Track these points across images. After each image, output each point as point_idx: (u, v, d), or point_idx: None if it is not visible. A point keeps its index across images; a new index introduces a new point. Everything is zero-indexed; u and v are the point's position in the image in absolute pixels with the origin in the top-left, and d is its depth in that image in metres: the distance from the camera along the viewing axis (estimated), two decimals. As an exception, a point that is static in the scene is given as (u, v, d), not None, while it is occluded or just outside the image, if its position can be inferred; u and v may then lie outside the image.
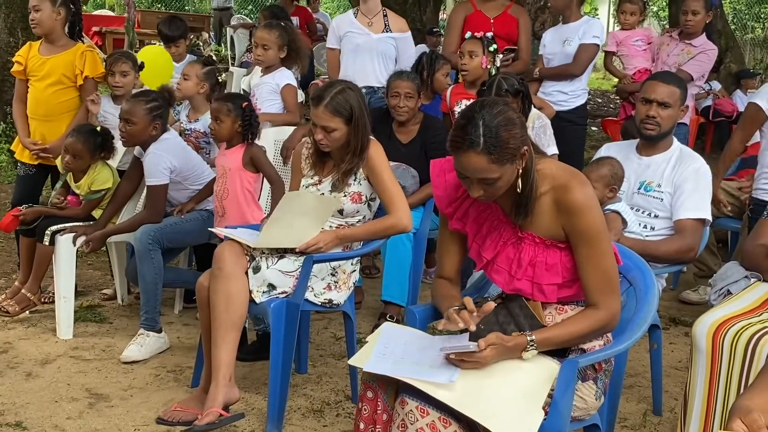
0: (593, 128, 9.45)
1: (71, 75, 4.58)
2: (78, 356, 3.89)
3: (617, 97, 6.52)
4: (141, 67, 4.70)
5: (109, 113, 4.59)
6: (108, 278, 4.81)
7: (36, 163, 4.67)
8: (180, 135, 4.62)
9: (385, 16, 5.64)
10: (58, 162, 4.48)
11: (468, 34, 5.02)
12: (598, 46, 5.60)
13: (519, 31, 5.70)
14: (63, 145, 4.48)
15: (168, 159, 4.06)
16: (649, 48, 6.01)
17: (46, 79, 4.56)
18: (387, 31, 5.57)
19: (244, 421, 3.28)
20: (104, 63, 4.68)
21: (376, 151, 3.41)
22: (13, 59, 4.75)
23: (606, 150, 3.88)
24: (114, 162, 4.53)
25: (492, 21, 5.64)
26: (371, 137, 3.43)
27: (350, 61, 5.63)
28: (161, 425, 3.24)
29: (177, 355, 3.96)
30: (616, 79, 6.84)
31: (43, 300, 4.38)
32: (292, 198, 3.42)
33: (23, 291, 4.28)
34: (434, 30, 10.22)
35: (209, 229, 3.82)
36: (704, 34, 5.75)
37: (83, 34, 13.77)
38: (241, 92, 5.33)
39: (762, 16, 19.11)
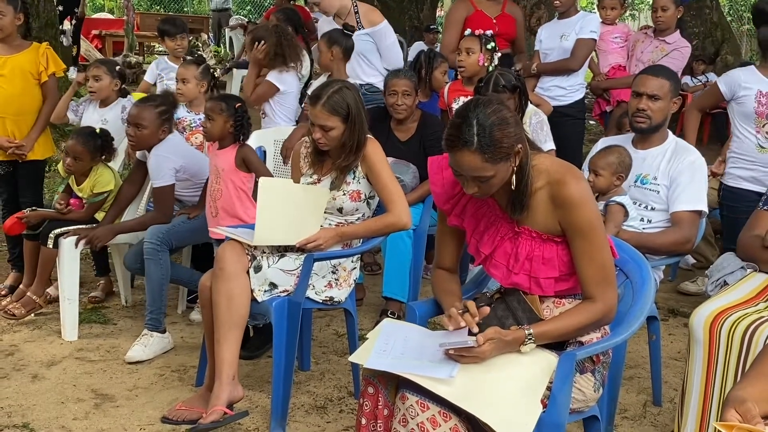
0: (591, 122, 9.45)
1: (35, 72, 4.65)
2: (83, 357, 3.91)
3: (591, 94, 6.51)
4: (122, 75, 4.83)
5: (92, 119, 4.66)
6: (98, 279, 4.82)
7: (10, 160, 4.68)
8: (185, 131, 4.65)
9: (356, 12, 5.52)
10: (60, 166, 4.50)
11: (468, 31, 5.02)
12: (595, 40, 5.61)
13: (517, 28, 5.76)
14: (34, 141, 4.59)
15: (172, 159, 4.09)
16: (626, 45, 6.02)
17: (8, 77, 4.59)
18: (360, 29, 5.51)
19: (248, 419, 3.30)
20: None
21: (374, 149, 3.42)
22: None
23: (603, 144, 3.90)
24: (115, 164, 4.56)
25: (494, 21, 5.66)
26: (369, 135, 3.45)
27: None
28: (166, 424, 3.25)
29: (181, 354, 3.98)
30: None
31: (47, 299, 4.39)
32: (276, 188, 3.43)
33: (28, 294, 4.30)
34: (431, 27, 10.22)
35: (211, 229, 3.84)
36: (678, 30, 5.76)
37: (83, 37, 13.77)
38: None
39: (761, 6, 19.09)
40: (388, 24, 5.51)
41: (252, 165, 3.94)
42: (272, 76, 5.01)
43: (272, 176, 4.05)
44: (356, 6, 5.42)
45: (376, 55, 5.41)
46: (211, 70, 4.80)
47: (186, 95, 4.67)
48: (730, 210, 4.64)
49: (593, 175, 3.55)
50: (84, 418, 3.32)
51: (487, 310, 2.35)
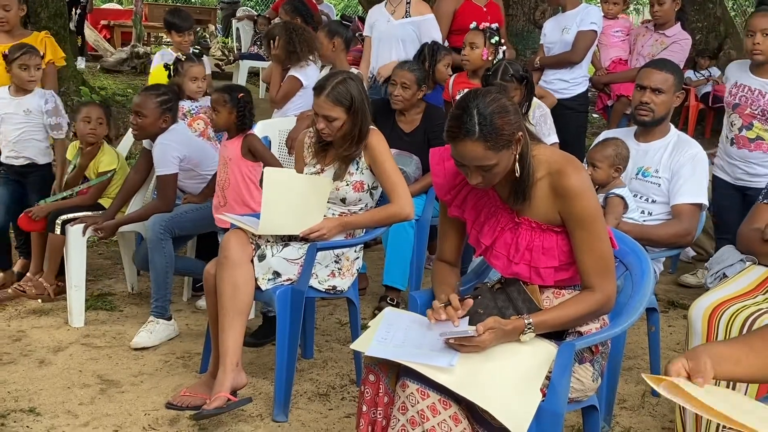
0: (594, 115, 9.43)
1: None
2: (89, 343, 3.92)
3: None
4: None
5: (9, 108, 4.45)
6: (106, 267, 4.84)
7: None
8: (185, 117, 4.65)
9: (408, 2, 5.65)
10: (70, 149, 4.53)
11: (473, 25, 5.01)
12: (596, 32, 5.60)
13: (502, 14, 5.82)
14: None
15: (176, 148, 4.10)
16: (627, 39, 6.00)
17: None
18: (407, 17, 5.58)
19: (251, 406, 3.31)
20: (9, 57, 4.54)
21: (377, 140, 3.42)
22: None
23: (604, 136, 3.89)
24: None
25: (485, 9, 5.68)
26: (373, 127, 3.45)
27: (375, 48, 5.75)
28: (171, 410, 3.27)
29: (186, 341, 3.99)
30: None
31: (56, 290, 4.38)
32: (280, 178, 3.43)
33: (41, 279, 4.30)
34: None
35: (218, 215, 3.85)
36: (678, 23, 5.73)
37: (91, 27, 13.70)
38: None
39: (766, 1, 19.04)
40: (435, 19, 5.66)
41: (258, 153, 3.96)
42: (294, 72, 4.99)
43: (280, 164, 4.05)
44: None
45: (414, 46, 5.42)
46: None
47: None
48: (715, 198, 4.69)
49: (591, 167, 3.55)
50: (90, 403, 3.33)
51: (470, 302, 2.35)
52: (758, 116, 4.42)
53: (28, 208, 4.34)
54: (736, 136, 4.51)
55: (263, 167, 3.96)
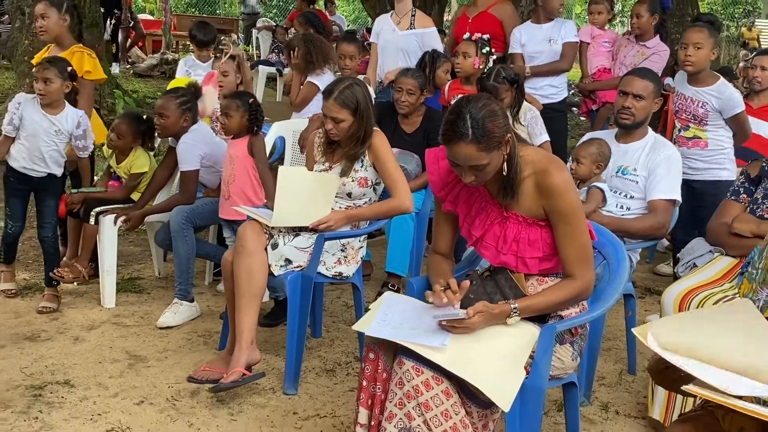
0: (581, 118, 9.40)
1: None
2: (119, 323, 3.94)
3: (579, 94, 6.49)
4: (73, 76, 4.09)
5: (33, 120, 3.95)
6: (135, 254, 4.85)
7: None
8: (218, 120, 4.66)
9: (413, 15, 5.66)
10: (104, 149, 4.51)
11: (466, 35, 5.01)
12: (578, 42, 5.68)
13: (504, 30, 5.72)
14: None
15: (199, 147, 4.12)
16: (612, 49, 6.00)
17: None
18: (411, 28, 5.59)
19: (264, 380, 3.33)
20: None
21: (380, 140, 3.43)
22: (33, 61, 4.66)
23: (588, 137, 3.88)
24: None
25: (470, 21, 5.66)
26: (376, 128, 3.45)
27: (381, 55, 5.75)
28: (192, 383, 3.29)
29: (206, 321, 4.00)
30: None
31: (90, 272, 4.39)
32: (292, 175, 3.44)
33: (76, 264, 4.31)
34: (439, 30, 10.15)
35: (234, 207, 3.85)
36: (657, 35, 5.71)
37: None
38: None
39: (736, 15, 18.95)
40: (437, 32, 5.72)
41: (254, 153, 3.96)
42: (312, 78, 4.98)
43: (267, 169, 4.04)
44: (414, 11, 5.69)
45: (417, 56, 5.41)
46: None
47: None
48: None
49: (575, 163, 3.55)
50: (119, 376, 3.36)
51: (467, 283, 2.36)
52: (691, 120, 4.40)
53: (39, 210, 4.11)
54: (677, 136, 4.49)
55: (256, 165, 3.98)
